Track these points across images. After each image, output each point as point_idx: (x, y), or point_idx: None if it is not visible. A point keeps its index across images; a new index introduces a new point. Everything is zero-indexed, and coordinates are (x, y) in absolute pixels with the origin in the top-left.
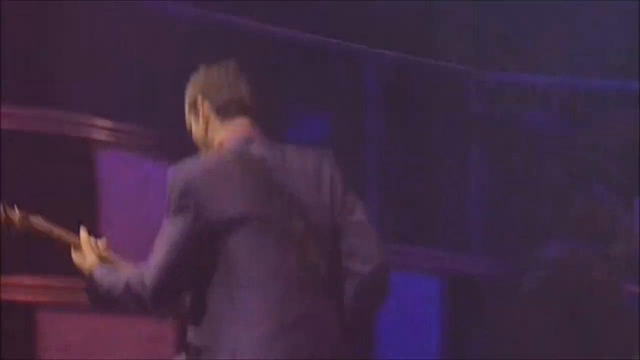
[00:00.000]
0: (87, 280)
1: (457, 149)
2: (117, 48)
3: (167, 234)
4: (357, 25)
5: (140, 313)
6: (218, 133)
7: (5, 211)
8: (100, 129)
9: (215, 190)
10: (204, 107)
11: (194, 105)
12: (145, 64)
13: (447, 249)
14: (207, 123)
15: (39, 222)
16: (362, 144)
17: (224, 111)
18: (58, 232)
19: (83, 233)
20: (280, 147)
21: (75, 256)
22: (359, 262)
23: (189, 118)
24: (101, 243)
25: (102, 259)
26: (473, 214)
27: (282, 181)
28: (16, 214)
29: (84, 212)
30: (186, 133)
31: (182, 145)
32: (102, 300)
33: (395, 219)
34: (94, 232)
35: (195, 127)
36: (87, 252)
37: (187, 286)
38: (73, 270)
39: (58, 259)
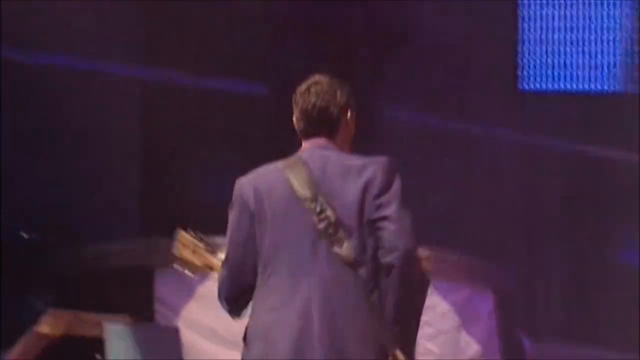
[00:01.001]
0: None
1: None
2: None
3: (228, 230)
4: None
5: None
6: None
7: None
8: None
9: (258, 189)
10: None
11: None
12: None
13: None
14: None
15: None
16: None
17: (301, 134)
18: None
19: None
20: (332, 154)
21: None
22: (383, 254)
23: None
24: None
25: None
26: None
27: (319, 181)
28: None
29: None
30: None
31: None
32: None
33: None
34: None
35: None
36: None
37: (248, 278)
38: None
39: None
